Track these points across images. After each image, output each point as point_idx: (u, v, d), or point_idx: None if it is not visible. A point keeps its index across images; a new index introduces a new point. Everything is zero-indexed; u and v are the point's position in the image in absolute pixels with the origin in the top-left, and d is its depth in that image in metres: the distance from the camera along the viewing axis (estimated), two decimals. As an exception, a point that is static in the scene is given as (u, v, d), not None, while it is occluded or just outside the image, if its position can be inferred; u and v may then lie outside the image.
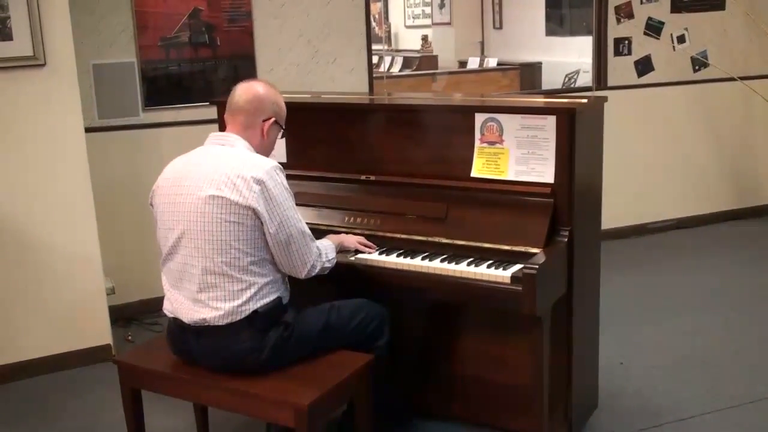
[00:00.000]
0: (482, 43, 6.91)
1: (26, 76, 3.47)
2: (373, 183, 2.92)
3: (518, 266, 2.49)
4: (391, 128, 2.99)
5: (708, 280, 4.54)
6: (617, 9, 5.08)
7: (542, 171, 2.64)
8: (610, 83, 5.15)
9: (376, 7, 5.42)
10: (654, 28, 5.18)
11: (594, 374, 3.08)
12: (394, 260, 2.68)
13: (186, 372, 2.50)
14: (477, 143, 2.77)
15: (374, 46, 4.70)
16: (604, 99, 2.89)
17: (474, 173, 2.77)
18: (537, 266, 2.37)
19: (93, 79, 4.06)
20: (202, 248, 2.38)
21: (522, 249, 2.57)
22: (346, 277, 2.64)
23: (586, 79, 5.29)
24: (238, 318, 2.38)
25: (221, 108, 3.25)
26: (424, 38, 7.15)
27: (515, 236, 2.60)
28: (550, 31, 6.19)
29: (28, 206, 3.55)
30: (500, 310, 2.69)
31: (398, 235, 2.79)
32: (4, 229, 3.53)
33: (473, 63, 6.72)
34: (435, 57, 6.94)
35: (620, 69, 5.17)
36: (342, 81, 4.55)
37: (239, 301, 2.38)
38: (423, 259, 2.66)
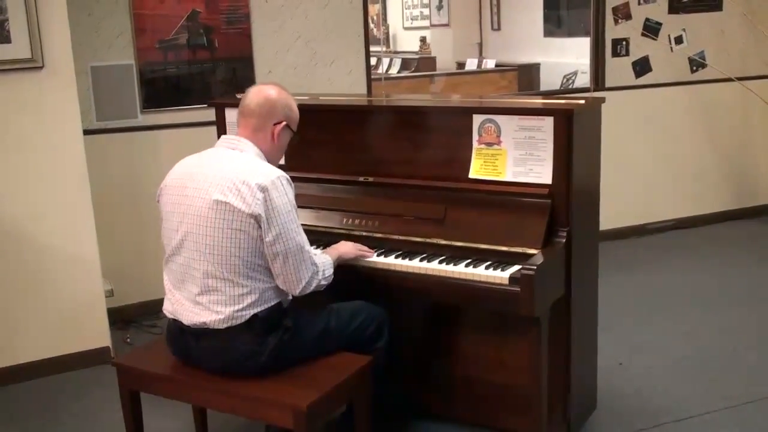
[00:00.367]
0: (480, 45, 6.92)
1: (24, 78, 3.47)
2: (372, 184, 2.92)
3: (516, 267, 2.49)
4: (389, 130, 2.99)
5: (706, 280, 4.54)
6: (615, 10, 5.09)
7: (540, 172, 2.64)
8: (608, 84, 5.15)
9: (374, 9, 5.42)
10: (652, 29, 5.19)
11: (593, 375, 3.08)
12: (392, 262, 2.68)
13: (185, 374, 2.50)
14: (475, 144, 2.77)
15: (372, 48, 4.70)
16: (602, 100, 2.89)
17: (472, 174, 2.78)
18: (535, 267, 2.37)
19: (91, 82, 4.05)
20: (204, 252, 2.37)
21: (520, 250, 2.57)
22: (344, 279, 2.63)
23: (584, 80, 5.30)
24: (238, 322, 2.38)
25: (219, 110, 3.27)
26: (423, 40, 7.16)
27: (513, 237, 2.60)
28: (548, 32, 6.20)
29: (26, 208, 3.55)
30: (498, 311, 2.69)
31: (396, 237, 2.79)
32: (3, 231, 3.53)
33: (471, 64, 6.72)
34: (433, 58, 6.95)
35: (618, 70, 5.17)
36: (340, 83, 4.55)
37: (240, 306, 2.38)
38: (421, 260, 2.66)
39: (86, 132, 3.76)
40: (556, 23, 6.14)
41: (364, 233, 2.84)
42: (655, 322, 3.97)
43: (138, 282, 4.22)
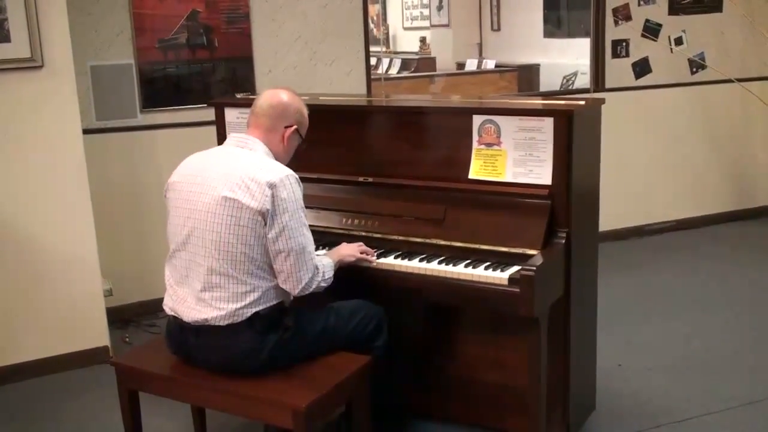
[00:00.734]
0: (480, 45, 6.92)
1: (24, 77, 3.46)
2: (371, 185, 2.92)
3: (516, 268, 2.49)
4: (389, 130, 2.99)
5: (706, 281, 4.54)
6: (615, 11, 5.09)
7: (540, 173, 2.64)
8: (607, 85, 5.15)
9: (374, 9, 5.42)
10: (652, 30, 5.19)
11: (592, 376, 3.08)
12: (392, 262, 2.68)
13: (184, 374, 2.50)
14: (475, 145, 2.77)
15: (372, 48, 4.70)
16: (602, 101, 2.89)
17: (472, 175, 2.77)
18: (534, 268, 2.37)
19: (91, 81, 4.05)
20: (210, 248, 2.38)
21: (519, 251, 2.57)
22: (344, 278, 2.63)
23: (584, 80, 5.30)
24: (239, 320, 2.39)
25: (219, 110, 3.26)
26: (422, 40, 7.16)
27: (513, 238, 2.60)
28: (548, 33, 6.20)
29: (25, 208, 3.55)
30: (498, 312, 2.69)
31: (396, 237, 2.79)
32: (2, 230, 3.53)
33: (471, 65, 6.73)
34: (433, 59, 6.95)
35: (618, 71, 5.17)
36: (340, 83, 4.55)
37: (242, 303, 2.38)
38: (421, 260, 2.66)
39: (86, 131, 3.76)
40: (556, 24, 6.14)
41: (364, 233, 2.84)
42: (655, 323, 3.97)
43: (137, 281, 4.22)
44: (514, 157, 2.69)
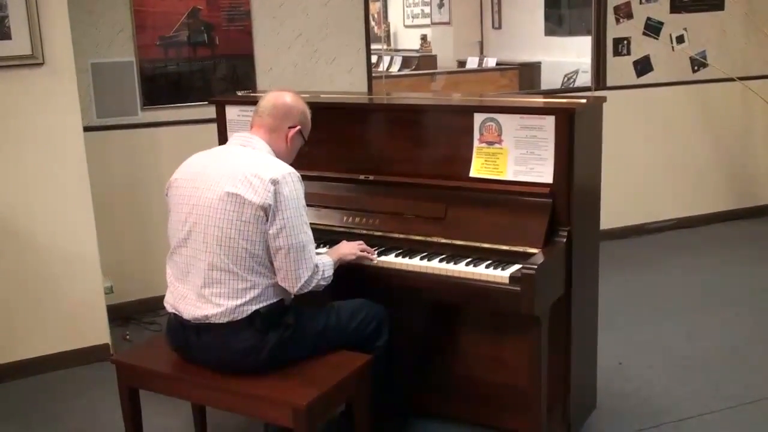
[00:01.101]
0: (481, 43, 6.93)
1: (25, 75, 3.46)
2: (372, 183, 2.92)
3: (517, 266, 2.49)
4: (390, 128, 2.99)
5: (707, 280, 4.54)
6: (616, 9, 5.08)
7: (541, 171, 2.64)
8: (609, 83, 5.14)
9: (375, 7, 5.42)
10: (653, 28, 5.18)
11: (592, 374, 3.08)
12: (392, 260, 2.68)
13: (184, 371, 2.50)
14: (476, 143, 2.76)
15: (373, 46, 4.70)
16: (603, 99, 2.89)
17: (473, 173, 2.77)
18: (535, 266, 2.37)
19: (91, 78, 4.05)
20: (212, 243, 2.38)
21: (520, 249, 2.56)
22: (345, 277, 2.63)
23: (585, 79, 5.30)
24: (240, 317, 2.39)
25: (220, 107, 3.26)
26: (423, 38, 7.17)
27: (514, 236, 2.59)
28: (549, 31, 6.20)
29: (26, 205, 3.55)
30: (499, 311, 2.69)
31: (397, 235, 2.78)
32: (2, 228, 3.53)
33: (472, 63, 6.73)
34: (434, 57, 6.95)
35: (619, 69, 5.17)
36: (341, 80, 4.55)
37: (242, 300, 2.38)
38: (422, 259, 2.65)
39: (86, 129, 3.75)
40: (557, 22, 6.14)
41: (365, 231, 2.83)
42: (655, 322, 3.96)
43: (138, 279, 4.22)
44: (515, 155, 2.69)
